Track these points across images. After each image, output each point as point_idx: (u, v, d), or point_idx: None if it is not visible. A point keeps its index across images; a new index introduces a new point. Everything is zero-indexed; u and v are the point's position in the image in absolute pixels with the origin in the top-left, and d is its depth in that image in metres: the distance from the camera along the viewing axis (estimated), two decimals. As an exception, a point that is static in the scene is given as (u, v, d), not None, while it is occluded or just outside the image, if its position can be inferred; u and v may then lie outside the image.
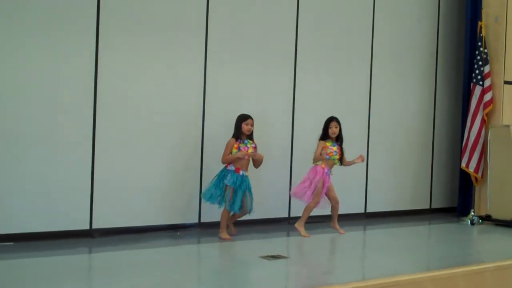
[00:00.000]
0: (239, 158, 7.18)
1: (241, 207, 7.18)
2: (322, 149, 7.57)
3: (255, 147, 7.34)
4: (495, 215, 9.12)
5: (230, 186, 7.12)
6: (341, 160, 7.73)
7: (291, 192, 7.78)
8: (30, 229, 6.50)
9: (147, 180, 7.25)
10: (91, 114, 6.85)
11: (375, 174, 9.10)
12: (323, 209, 7.74)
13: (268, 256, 6.20)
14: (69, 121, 6.71)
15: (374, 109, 9.26)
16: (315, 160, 7.61)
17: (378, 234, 7.84)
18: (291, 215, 8.15)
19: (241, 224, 7.75)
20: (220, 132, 7.70)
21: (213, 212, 7.67)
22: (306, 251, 6.89)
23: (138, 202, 7.18)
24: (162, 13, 7.33)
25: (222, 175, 7.21)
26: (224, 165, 7.25)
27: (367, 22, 9.25)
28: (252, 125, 7.30)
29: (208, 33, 7.66)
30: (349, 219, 8.08)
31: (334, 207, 7.77)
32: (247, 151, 7.21)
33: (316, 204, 7.56)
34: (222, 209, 7.19)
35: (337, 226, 7.82)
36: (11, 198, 6.37)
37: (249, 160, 7.31)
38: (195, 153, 7.62)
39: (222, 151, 7.36)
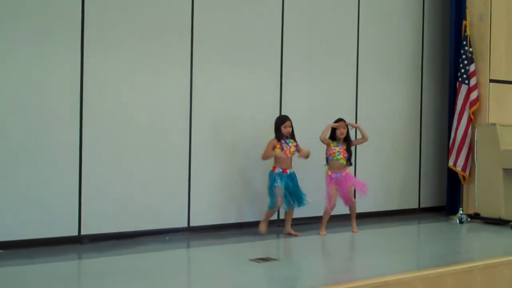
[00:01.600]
0: (280, 158, 7.57)
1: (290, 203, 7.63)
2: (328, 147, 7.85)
3: (296, 146, 7.69)
4: (484, 213, 9.16)
5: (284, 187, 7.52)
6: (350, 160, 7.95)
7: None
8: (18, 236, 6.47)
9: (135, 186, 7.23)
10: (78, 121, 6.82)
11: (363, 175, 9.11)
12: (316, 210, 7.93)
13: (258, 259, 6.21)
14: (55, 129, 6.68)
15: (360, 110, 9.29)
16: (323, 134, 7.84)
17: (367, 234, 7.85)
18: (280, 217, 8.15)
19: (229, 228, 7.78)
20: (208, 137, 7.73)
21: (202, 216, 7.70)
22: (296, 253, 6.90)
23: (126, 208, 7.16)
24: (147, 20, 7.32)
25: (272, 180, 7.58)
26: (270, 168, 7.66)
27: (352, 23, 9.27)
28: (291, 126, 7.65)
29: (193, 40, 7.65)
30: (337, 220, 8.09)
31: (351, 209, 8.01)
32: (287, 151, 7.62)
33: (331, 208, 7.85)
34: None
35: (354, 228, 8.04)
36: (-2, 206, 6.35)
37: (291, 159, 7.65)
38: (183, 158, 7.61)
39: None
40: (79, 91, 6.84)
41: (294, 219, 7.85)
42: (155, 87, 7.39)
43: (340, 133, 7.78)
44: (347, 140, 7.88)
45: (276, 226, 8.07)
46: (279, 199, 7.49)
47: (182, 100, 7.60)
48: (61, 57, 6.72)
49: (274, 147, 7.57)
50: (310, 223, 8.36)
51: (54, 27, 6.67)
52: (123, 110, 7.15)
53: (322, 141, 7.80)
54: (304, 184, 7.82)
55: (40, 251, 6.41)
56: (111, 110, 7.06)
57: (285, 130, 7.58)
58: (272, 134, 7.64)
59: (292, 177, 7.65)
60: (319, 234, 7.80)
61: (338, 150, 7.77)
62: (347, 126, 7.86)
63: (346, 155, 7.85)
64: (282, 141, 7.58)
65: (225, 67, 7.94)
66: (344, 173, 7.85)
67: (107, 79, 7.04)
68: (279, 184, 7.51)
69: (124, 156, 7.15)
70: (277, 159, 7.60)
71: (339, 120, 7.90)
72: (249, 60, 8.17)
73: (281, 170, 7.56)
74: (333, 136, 7.85)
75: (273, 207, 7.57)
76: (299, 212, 7.96)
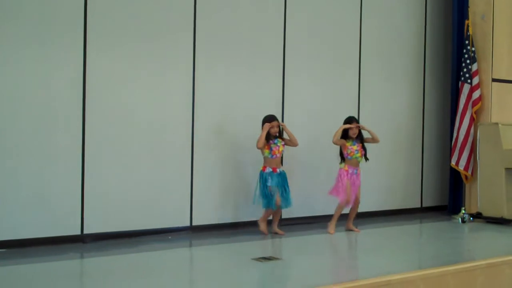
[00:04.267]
0: (269, 159, 7.53)
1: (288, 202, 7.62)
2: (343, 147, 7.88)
3: (284, 144, 7.64)
4: (486, 212, 9.16)
5: (274, 186, 7.47)
6: (365, 156, 7.99)
7: (328, 192, 7.95)
8: (21, 235, 6.48)
9: (138, 185, 7.24)
10: (80, 120, 6.83)
11: (365, 174, 9.10)
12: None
13: (260, 258, 6.22)
14: (58, 128, 6.70)
15: (363, 109, 9.29)
16: (336, 137, 7.80)
17: (369, 234, 7.85)
18: (284, 217, 8.15)
19: (232, 227, 7.79)
20: (210, 136, 7.74)
21: (204, 216, 7.70)
22: (299, 252, 6.90)
23: (129, 207, 7.17)
24: (150, 18, 7.32)
25: (263, 180, 7.52)
26: (261, 168, 7.58)
27: (355, 22, 9.27)
28: (278, 126, 7.59)
29: (195, 39, 7.66)
30: (340, 219, 8.08)
31: (353, 208, 7.96)
32: (276, 151, 7.56)
33: (347, 203, 7.85)
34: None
35: (352, 226, 8.03)
36: (1, 205, 6.35)
37: (280, 158, 7.62)
38: (186, 157, 7.61)
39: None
40: (81, 91, 6.84)
41: (299, 218, 7.87)
42: (158, 87, 7.40)
43: (353, 133, 7.81)
44: (360, 137, 7.89)
45: (279, 226, 8.05)
46: (277, 197, 7.47)
47: (185, 100, 7.61)
48: (64, 57, 6.72)
49: (264, 146, 7.53)
50: (310, 223, 8.39)
51: (57, 27, 6.68)
52: (125, 109, 7.15)
53: (336, 143, 7.80)
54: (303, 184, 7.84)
55: (43, 250, 6.42)
56: (114, 109, 7.07)
57: (272, 130, 7.53)
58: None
59: (283, 176, 7.62)
60: (327, 231, 7.82)
61: (356, 148, 7.81)
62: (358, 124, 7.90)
63: (363, 152, 7.92)
64: (271, 141, 7.53)
65: (227, 66, 7.95)
66: (358, 171, 7.88)
67: (110, 79, 7.05)
68: (271, 183, 7.48)
69: (126, 155, 7.16)
70: (267, 160, 7.57)
71: (350, 118, 7.90)
72: (251, 59, 8.17)
73: (271, 170, 7.52)
74: (345, 136, 7.85)
75: (269, 207, 7.51)
76: (301, 212, 7.97)
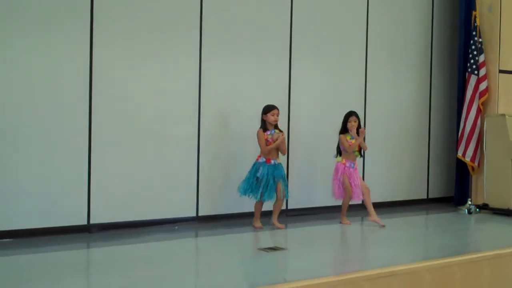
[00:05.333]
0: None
1: (275, 195, 7.38)
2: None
3: (282, 135, 7.49)
4: (492, 203, 9.15)
5: (261, 178, 7.31)
6: (360, 151, 7.96)
7: (333, 196, 7.94)
8: (28, 225, 6.51)
9: (144, 175, 7.26)
10: (87, 112, 6.84)
11: (371, 165, 9.13)
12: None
13: (266, 248, 6.23)
14: (65, 118, 6.71)
15: (369, 101, 9.28)
16: (349, 150, 7.80)
17: (375, 224, 7.84)
18: (289, 207, 8.16)
19: (237, 217, 7.80)
20: (217, 126, 7.75)
21: (210, 206, 7.72)
22: (304, 242, 6.91)
23: (135, 197, 7.19)
24: (156, 10, 7.32)
25: (254, 169, 7.41)
26: (256, 158, 7.47)
27: (362, 14, 9.25)
28: (278, 115, 7.45)
29: (202, 31, 7.65)
30: (359, 211, 8.10)
31: (366, 194, 7.87)
32: (273, 142, 7.39)
33: (350, 198, 7.80)
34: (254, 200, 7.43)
35: (375, 218, 7.86)
36: (8, 194, 6.37)
37: (276, 150, 7.46)
38: (192, 147, 7.62)
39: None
40: (88, 83, 6.85)
41: (303, 209, 7.86)
42: (164, 79, 7.40)
43: (351, 126, 7.79)
44: (358, 132, 7.88)
45: (284, 216, 8.07)
46: (261, 191, 7.35)
47: (191, 91, 7.61)
48: (70, 49, 6.73)
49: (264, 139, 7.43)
50: (315, 213, 8.40)
51: (63, 19, 6.68)
52: (132, 101, 7.16)
53: (351, 148, 7.80)
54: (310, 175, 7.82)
55: (49, 240, 6.45)
56: (120, 101, 7.08)
57: (272, 118, 7.39)
58: (280, 124, 7.60)
59: (276, 167, 7.45)
60: (341, 223, 7.87)
61: (354, 142, 7.79)
62: (358, 118, 7.85)
63: (359, 147, 7.90)
64: (268, 131, 7.43)
65: (233, 58, 7.94)
66: (356, 165, 7.88)
67: (116, 71, 7.05)
68: (260, 174, 7.35)
69: (132, 146, 7.17)
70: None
71: (350, 113, 7.88)
72: (258, 51, 8.16)
73: (264, 160, 7.43)
74: (344, 129, 7.85)
75: (251, 196, 7.41)
76: (306, 202, 7.98)
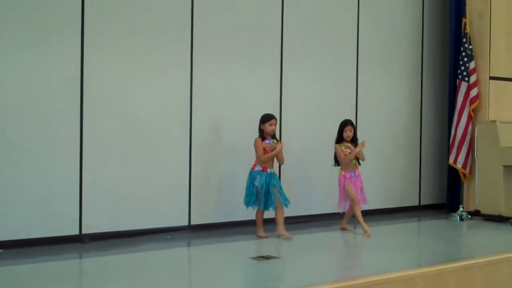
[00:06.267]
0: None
1: (274, 204, 7.36)
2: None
3: (279, 144, 7.45)
4: (484, 210, 9.17)
5: (261, 186, 7.31)
6: (358, 159, 7.94)
7: (338, 208, 7.95)
8: (19, 235, 6.47)
9: (136, 184, 7.24)
10: (78, 119, 6.83)
11: (363, 172, 9.10)
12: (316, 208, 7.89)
13: (259, 257, 6.22)
14: (56, 127, 6.69)
15: (361, 107, 9.30)
16: (344, 162, 7.82)
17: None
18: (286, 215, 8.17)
19: (230, 226, 7.79)
20: (208, 134, 7.75)
21: (202, 215, 7.70)
22: (297, 251, 6.90)
23: (127, 206, 7.16)
24: (147, 17, 7.32)
25: (251, 179, 7.39)
26: (251, 167, 7.44)
27: (353, 19, 9.27)
28: (276, 125, 7.45)
29: (193, 37, 7.65)
30: (338, 218, 8.10)
31: (352, 207, 7.85)
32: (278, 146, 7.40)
33: (357, 203, 7.78)
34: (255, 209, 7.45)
35: (346, 226, 8.03)
36: (-1, 205, 6.36)
37: (273, 158, 7.46)
38: (184, 156, 7.61)
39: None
40: (79, 89, 6.84)
41: (295, 217, 7.86)
42: (156, 85, 7.39)
43: (347, 136, 7.80)
44: (354, 141, 7.88)
45: (276, 224, 8.04)
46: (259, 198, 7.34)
47: (183, 97, 7.61)
48: (61, 55, 6.72)
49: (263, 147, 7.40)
50: (308, 221, 8.39)
51: (54, 25, 6.67)
52: (123, 108, 7.15)
53: (346, 160, 7.82)
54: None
55: (41, 250, 6.42)
56: (112, 108, 7.07)
57: (270, 128, 7.39)
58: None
59: (273, 176, 7.43)
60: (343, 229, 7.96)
61: (349, 151, 7.79)
62: (353, 128, 7.85)
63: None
64: (266, 140, 7.42)
65: (225, 63, 7.94)
66: (357, 173, 7.89)
67: (108, 77, 7.04)
68: (259, 183, 7.32)
69: (125, 155, 7.16)
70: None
71: (346, 122, 7.87)
72: (249, 57, 8.17)
73: (261, 168, 7.39)
74: (340, 139, 7.85)
75: (255, 206, 7.39)
76: (298, 211, 7.98)
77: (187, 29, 7.63)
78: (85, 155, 6.87)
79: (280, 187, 7.44)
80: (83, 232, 6.90)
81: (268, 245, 7.13)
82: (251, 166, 7.46)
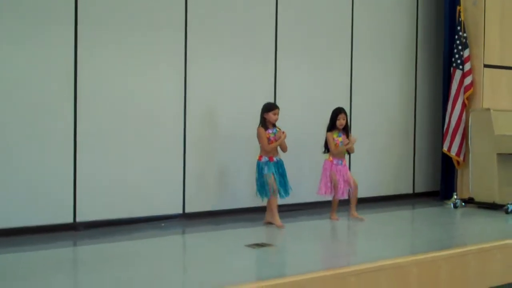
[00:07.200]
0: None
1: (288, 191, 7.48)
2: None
3: (283, 132, 7.44)
4: (478, 197, 9.20)
5: (269, 173, 7.30)
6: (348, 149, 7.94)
7: (317, 192, 7.93)
8: (14, 224, 6.47)
9: (130, 172, 7.24)
10: (72, 110, 6.81)
11: (357, 160, 9.13)
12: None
13: (253, 244, 6.23)
14: (50, 117, 6.68)
15: (355, 96, 9.29)
16: (334, 152, 7.83)
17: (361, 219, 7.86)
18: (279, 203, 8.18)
19: (224, 214, 7.80)
20: (202, 124, 7.75)
21: (197, 203, 7.71)
22: (291, 239, 6.92)
23: (121, 195, 7.17)
24: (141, 10, 7.29)
25: (260, 170, 7.39)
26: (257, 158, 7.43)
27: (346, 9, 9.26)
28: (278, 114, 7.42)
29: (187, 30, 7.63)
30: (343, 206, 8.11)
31: (353, 194, 7.90)
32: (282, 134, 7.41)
33: (338, 195, 7.82)
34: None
35: (355, 214, 7.95)
36: (-7, 193, 6.35)
37: (277, 147, 7.46)
38: (178, 145, 7.61)
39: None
40: (73, 82, 6.82)
41: (289, 205, 7.87)
42: (149, 77, 7.37)
43: (340, 124, 7.80)
44: (346, 130, 7.89)
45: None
46: (274, 185, 7.32)
47: (176, 89, 7.59)
48: (55, 49, 6.70)
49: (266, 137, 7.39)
50: (302, 209, 8.41)
51: (47, 20, 6.64)
52: (117, 97, 7.14)
53: (337, 150, 7.82)
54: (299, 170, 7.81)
55: (36, 238, 6.42)
56: (105, 98, 7.05)
57: (274, 117, 7.37)
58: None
59: (280, 164, 7.49)
60: (330, 219, 7.87)
61: (341, 140, 7.80)
62: (346, 116, 7.85)
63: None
64: (269, 130, 7.41)
65: (219, 55, 7.93)
66: (344, 162, 7.89)
67: (101, 70, 7.02)
68: (267, 171, 7.33)
69: (118, 144, 7.15)
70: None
71: (339, 110, 7.87)
72: (242, 49, 8.15)
73: (267, 159, 7.39)
74: (333, 126, 7.85)
75: (270, 194, 7.36)
76: (293, 198, 7.98)
77: (181, 21, 7.60)
78: (79, 144, 6.86)
79: (286, 177, 7.50)
80: (78, 220, 6.90)
81: (263, 233, 7.15)
82: (257, 157, 7.45)
